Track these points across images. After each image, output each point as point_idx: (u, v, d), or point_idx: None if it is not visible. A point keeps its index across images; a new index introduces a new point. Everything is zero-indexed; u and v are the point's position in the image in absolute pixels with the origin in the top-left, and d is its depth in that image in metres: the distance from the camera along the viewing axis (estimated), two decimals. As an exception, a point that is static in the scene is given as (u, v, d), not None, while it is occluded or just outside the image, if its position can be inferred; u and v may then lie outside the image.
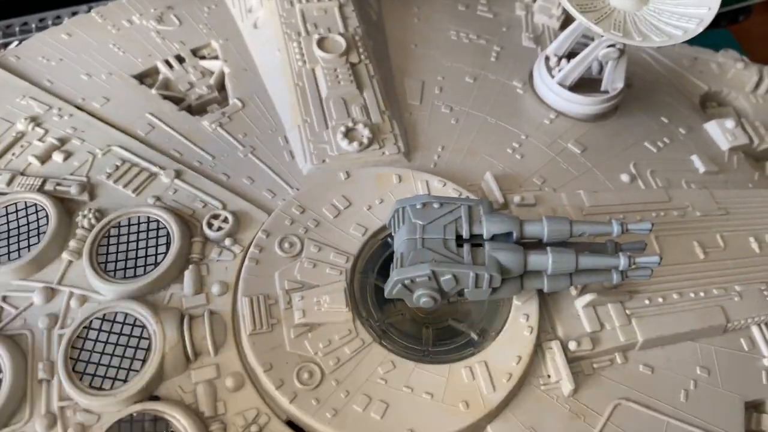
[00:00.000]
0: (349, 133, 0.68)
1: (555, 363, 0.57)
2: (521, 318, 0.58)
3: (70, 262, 0.61)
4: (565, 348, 0.58)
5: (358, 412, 0.53)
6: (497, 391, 0.54)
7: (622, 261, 0.54)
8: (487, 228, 0.55)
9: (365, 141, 0.68)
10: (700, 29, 0.67)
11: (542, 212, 0.64)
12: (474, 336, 0.59)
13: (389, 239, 0.63)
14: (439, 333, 0.60)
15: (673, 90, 0.92)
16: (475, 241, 0.55)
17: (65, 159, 0.69)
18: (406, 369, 0.55)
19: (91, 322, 0.57)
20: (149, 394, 0.54)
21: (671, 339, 0.61)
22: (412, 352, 0.57)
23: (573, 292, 0.61)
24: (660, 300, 0.62)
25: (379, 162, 0.68)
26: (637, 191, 0.72)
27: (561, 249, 0.54)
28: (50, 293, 0.60)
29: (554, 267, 0.54)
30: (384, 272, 0.61)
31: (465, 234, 0.55)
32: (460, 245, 0.55)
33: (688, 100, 0.91)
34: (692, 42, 0.97)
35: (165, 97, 0.76)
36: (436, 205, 0.56)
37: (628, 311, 0.61)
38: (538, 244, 0.56)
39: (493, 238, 0.55)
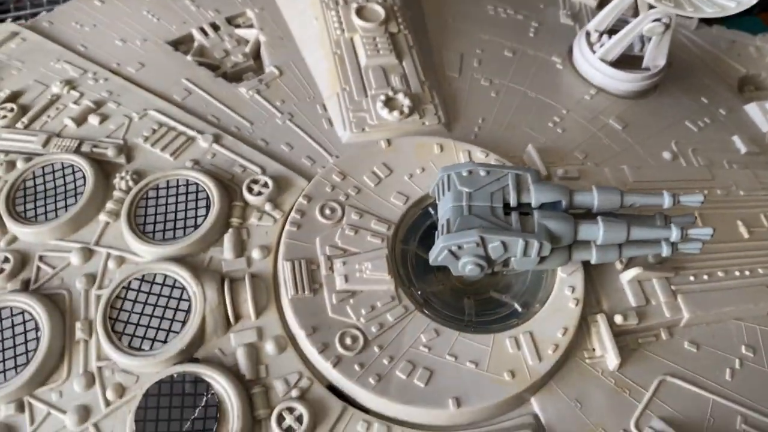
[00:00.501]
0: (389, 102, 0.67)
1: (600, 336, 0.56)
2: (566, 290, 0.57)
3: (108, 223, 0.61)
4: (610, 322, 0.56)
5: (402, 379, 0.52)
6: (543, 361, 0.53)
7: (674, 232, 0.53)
8: (535, 196, 0.54)
9: (406, 110, 0.67)
10: (754, 0, 0.65)
11: (586, 186, 0.63)
12: (517, 307, 0.58)
13: (430, 209, 0.62)
14: (481, 304, 0.59)
15: (711, 72, 0.90)
16: (523, 210, 0.54)
17: (101, 122, 0.68)
18: (450, 337, 0.54)
19: (129, 282, 0.56)
20: (189, 356, 0.53)
21: (716, 317, 0.60)
22: (455, 322, 0.56)
23: (618, 266, 0.60)
24: (705, 277, 0.61)
25: (420, 132, 0.67)
26: (680, 168, 0.71)
27: (612, 219, 0.53)
28: (87, 254, 0.59)
29: (605, 237, 0.53)
30: (425, 241, 0.60)
31: (512, 202, 0.54)
32: (507, 214, 0.53)
33: (725, 82, 0.90)
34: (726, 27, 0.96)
35: (200, 64, 0.75)
36: (482, 173, 0.55)
37: (673, 287, 0.59)
38: (586, 215, 0.55)
39: (541, 207, 0.54)
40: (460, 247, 0.52)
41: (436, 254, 0.53)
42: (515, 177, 0.55)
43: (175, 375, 0.51)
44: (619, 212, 0.56)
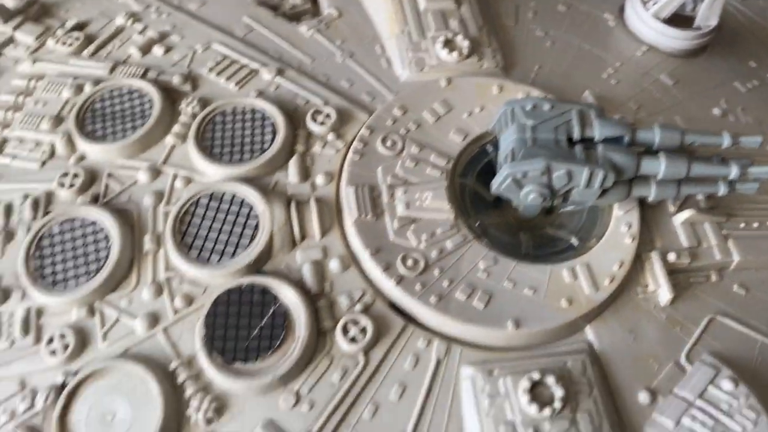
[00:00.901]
0: (447, 44, 0.68)
1: (654, 272, 0.57)
2: (623, 227, 0.58)
3: (174, 145, 0.62)
4: (663, 259, 0.57)
5: (462, 300, 0.53)
6: (599, 291, 0.54)
7: (734, 169, 0.54)
8: (599, 131, 0.55)
9: (465, 52, 0.68)
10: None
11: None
12: (574, 241, 0.59)
13: (488, 146, 0.63)
14: (536, 239, 0.60)
15: (758, 41, 0.91)
16: (586, 146, 0.55)
17: (165, 53, 0.70)
18: (508, 266, 0.56)
19: (198, 199, 0.57)
20: (256, 270, 0.55)
21: (766, 264, 0.61)
22: (512, 252, 0.57)
23: (671, 209, 0.61)
24: (755, 225, 0.62)
25: (478, 74, 0.68)
26: (730, 124, 0.72)
27: (673, 154, 0.54)
28: (155, 173, 0.61)
29: (666, 171, 0.54)
30: (482, 177, 0.62)
31: (576, 136, 0.55)
32: (570, 147, 0.55)
33: (772, 51, 0.90)
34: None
35: (260, 4, 0.76)
36: (546, 107, 0.56)
37: (724, 232, 0.60)
38: (646, 152, 0.56)
39: (604, 142, 0.55)
40: (524, 175, 0.53)
41: (500, 182, 0.54)
42: (579, 112, 0.56)
43: (244, 285, 0.52)
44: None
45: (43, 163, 0.62)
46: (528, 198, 0.54)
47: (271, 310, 0.51)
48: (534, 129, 0.55)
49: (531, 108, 0.56)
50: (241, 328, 0.51)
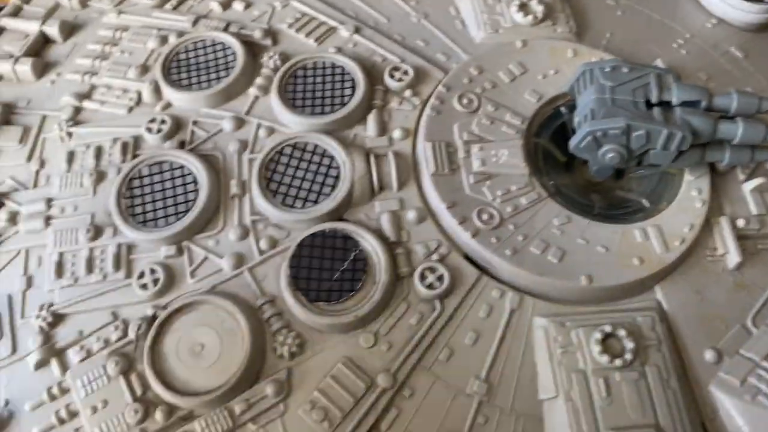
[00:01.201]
0: (522, 7, 0.69)
1: (723, 236, 0.58)
2: (693, 191, 0.59)
3: (257, 97, 0.64)
4: (733, 225, 0.58)
5: (536, 254, 0.55)
6: (670, 251, 0.56)
7: (811, 138, 0.55)
8: (677, 94, 0.56)
9: (539, 16, 0.69)
10: None
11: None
12: (645, 203, 0.60)
13: (562, 109, 0.64)
14: (608, 201, 0.61)
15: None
16: (663, 109, 0.56)
17: (245, 8, 0.72)
18: (581, 224, 0.57)
19: (282, 148, 0.59)
20: (338, 217, 0.57)
21: (834, 234, 0.61)
22: (585, 211, 0.59)
23: (741, 176, 0.61)
24: (825, 196, 0.62)
25: (551, 38, 0.69)
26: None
27: (751, 119, 0.55)
28: (239, 122, 0.63)
29: (743, 136, 0.55)
30: (556, 138, 0.63)
31: (654, 99, 0.56)
32: (648, 110, 0.56)
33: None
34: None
35: (335, -36, 0.78)
36: (625, 69, 0.57)
37: (793, 200, 0.61)
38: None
39: (681, 106, 0.56)
40: (604, 134, 0.54)
41: (579, 140, 0.55)
42: (657, 76, 0.57)
43: (328, 230, 0.54)
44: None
45: (131, 110, 0.65)
46: (605, 157, 0.56)
47: (353, 255, 0.53)
48: (613, 90, 0.56)
49: (610, 70, 0.57)
50: (324, 270, 0.53)
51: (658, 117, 0.55)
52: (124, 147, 0.62)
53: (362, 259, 0.53)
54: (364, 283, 0.52)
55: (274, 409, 0.49)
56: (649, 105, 0.56)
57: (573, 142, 0.56)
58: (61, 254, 0.58)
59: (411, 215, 0.57)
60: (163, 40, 0.68)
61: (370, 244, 0.54)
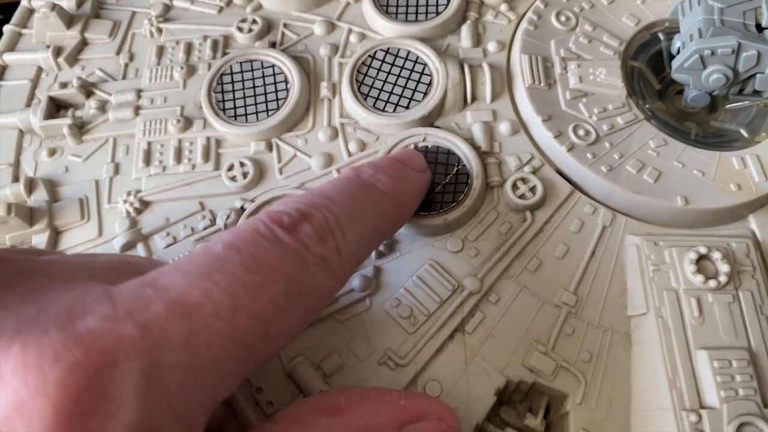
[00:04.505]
0: (624, -69, 0.67)
1: (824, 172, 0.56)
2: (796, 123, 0.57)
3: (348, 3, 0.63)
4: (834, 161, 0.56)
5: (632, 172, 0.54)
6: (769, 180, 0.54)
7: None
8: (791, 19, 0.53)
9: (641, -60, 0.66)
10: None
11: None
12: (744, 133, 0.58)
13: (660, 35, 0.62)
14: (703, 129, 0.59)
15: None
16: (773, 34, 0.54)
17: None
18: (677, 148, 0.56)
19: (375, 52, 0.59)
20: (429, 123, 0.56)
21: None
22: (681, 136, 0.57)
23: (843, 117, 0.59)
24: None
25: (653, -37, 0.66)
26: None
27: None
28: (330, 26, 0.62)
29: None
30: (652, 65, 0.61)
31: (765, 22, 0.54)
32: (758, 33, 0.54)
33: None
34: None
35: None
36: (736, -9, 0.55)
37: None
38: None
39: (794, 31, 0.54)
40: (713, 53, 0.53)
41: (685, 58, 0.54)
42: (769, 0, 0.55)
43: (430, 145, 0.54)
44: None
45: (221, 10, 0.64)
46: (710, 79, 0.54)
47: (455, 170, 0.52)
48: (722, 11, 0.54)
49: (719, -10, 0.55)
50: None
51: (771, 39, 0.53)
52: (215, 44, 0.62)
53: (464, 174, 0.52)
54: (465, 197, 0.52)
55: (359, 303, 0.49)
56: (759, 29, 0.54)
57: (677, 62, 0.55)
58: (149, 143, 0.58)
59: (504, 127, 0.56)
60: (256, -58, 0.67)
61: (461, 151, 0.53)
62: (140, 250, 0.53)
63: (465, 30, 0.60)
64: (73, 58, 0.65)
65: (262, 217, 0.33)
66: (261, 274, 0.30)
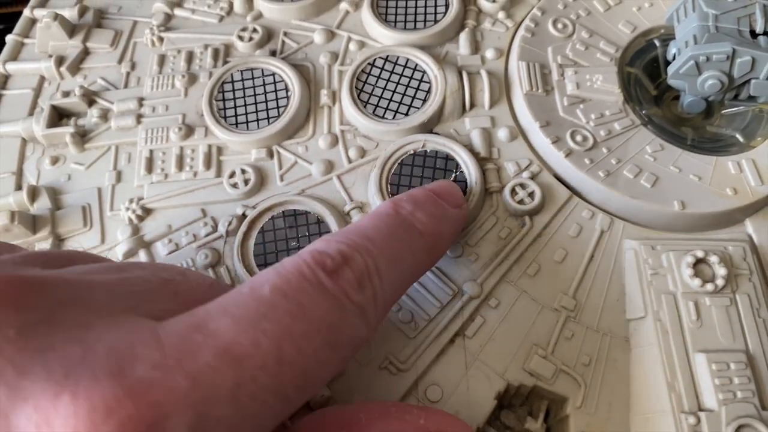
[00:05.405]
0: (620, -60, 0.68)
1: (819, 176, 0.57)
2: (791, 128, 0.57)
3: (348, 12, 0.64)
4: (830, 165, 0.57)
5: (629, 177, 0.54)
6: (765, 184, 0.54)
7: None
8: (785, 24, 0.54)
9: (637, -52, 0.67)
10: None
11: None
12: (739, 137, 0.59)
13: (656, 41, 0.63)
14: (699, 134, 0.60)
15: None
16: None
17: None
18: (674, 153, 0.56)
19: (374, 60, 0.59)
20: (428, 130, 0.57)
21: None
22: (678, 141, 0.58)
23: (839, 119, 0.60)
24: None
25: (648, -30, 0.67)
26: None
27: None
28: (329, 35, 0.63)
29: None
30: (648, 71, 0.62)
31: (759, 29, 0.55)
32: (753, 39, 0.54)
33: None
34: None
35: None
36: (729, -2, 0.56)
37: None
38: (830, 53, 0.55)
39: (788, 37, 0.54)
40: (708, 59, 0.53)
41: (681, 64, 0.54)
42: (762, 6, 0.55)
43: (429, 150, 0.54)
44: None
45: (221, 19, 0.65)
46: (705, 85, 0.55)
47: (453, 176, 0.53)
48: (716, 18, 0.55)
49: (714, -2, 0.55)
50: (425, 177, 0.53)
51: (765, 45, 0.53)
52: (216, 53, 0.63)
53: (462, 182, 0.53)
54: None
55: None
56: (753, 35, 0.55)
57: (672, 68, 0.55)
58: (151, 151, 0.58)
59: (502, 133, 0.56)
60: (256, -48, 0.68)
61: (460, 157, 0.54)
62: (142, 257, 0.53)
63: (463, 38, 0.61)
64: (76, 67, 0.65)
65: (307, 258, 0.32)
66: (306, 323, 0.29)
